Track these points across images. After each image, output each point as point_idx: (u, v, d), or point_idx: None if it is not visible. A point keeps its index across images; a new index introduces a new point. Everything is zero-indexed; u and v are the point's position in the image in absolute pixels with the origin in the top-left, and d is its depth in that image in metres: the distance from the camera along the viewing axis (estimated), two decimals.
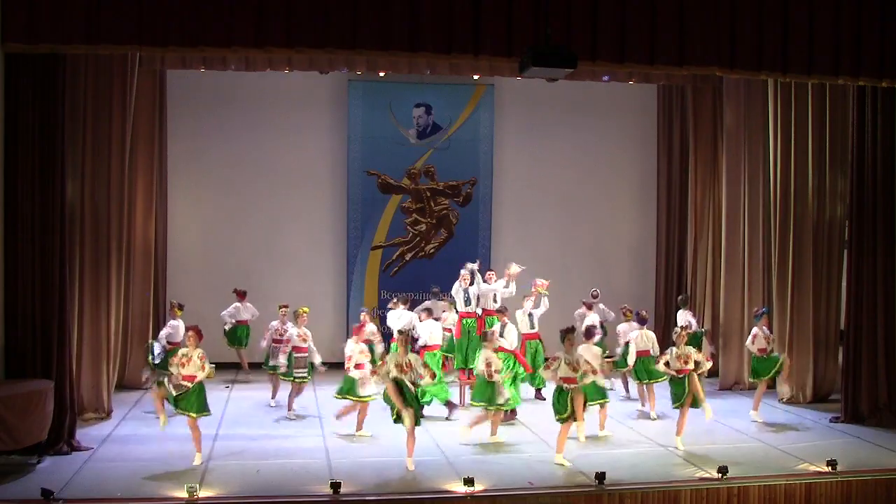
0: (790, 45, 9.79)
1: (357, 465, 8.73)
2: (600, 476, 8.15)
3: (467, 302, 11.88)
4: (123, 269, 11.11)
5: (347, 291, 14.56)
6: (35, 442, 8.56)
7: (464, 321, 11.87)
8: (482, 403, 9.69)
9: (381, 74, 12.80)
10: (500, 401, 9.65)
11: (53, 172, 9.04)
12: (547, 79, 12.07)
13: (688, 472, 8.61)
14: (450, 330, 11.90)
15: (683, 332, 9.69)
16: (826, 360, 12.01)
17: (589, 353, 9.71)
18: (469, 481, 7.96)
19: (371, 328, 11.14)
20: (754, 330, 11.12)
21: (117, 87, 10.59)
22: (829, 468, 8.62)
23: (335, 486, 7.81)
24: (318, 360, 10.82)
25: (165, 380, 8.99)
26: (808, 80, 10.45)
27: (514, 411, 10.51)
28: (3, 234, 8.97)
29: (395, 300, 12.52)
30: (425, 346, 11.01)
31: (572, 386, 8.88)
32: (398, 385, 8.70)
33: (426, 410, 10.05)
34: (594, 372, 9.20)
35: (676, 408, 9.55)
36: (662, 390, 10.67)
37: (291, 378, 10.68)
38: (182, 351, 8.96)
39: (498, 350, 10.15)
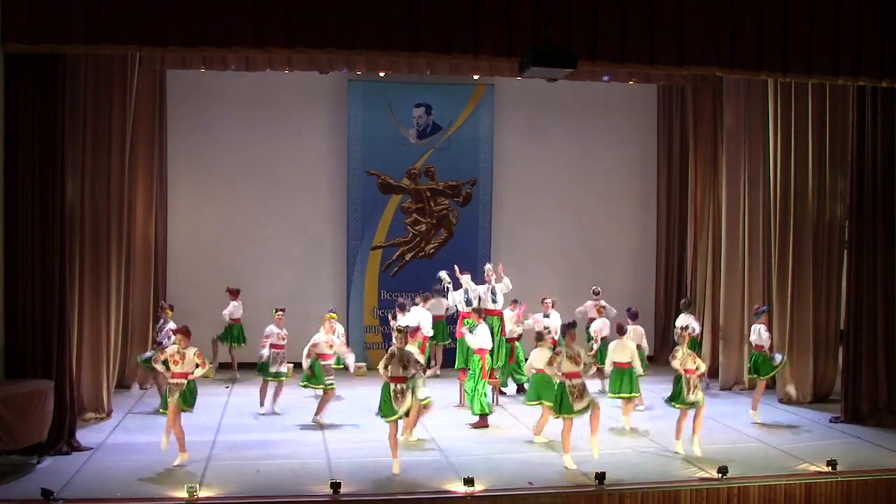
0: (790, 45, 9.79)
1: (357, 465, 8.73)
2: (600, 476, 8.15)
3: (468, 302, 11.89)
4: (123, 269, 11.11)
5: (347, 291, 14.55)
6: (35, 442, 8.57)
7: (464, 321, 11.86)
8: (538, 402, 9.77)
9: (381, 74, 12.80)
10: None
11: (53, 172, 9.04)
12: (547, 79, 12.07)
13: (688, 472, 8.62)
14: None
15: (684, 333, 9.69)
16: (826, 360, 12.01)
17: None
18: (469, 481, 7.96)
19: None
20: (755, 326, 11.12)
21: (117, 87, 10.59)
22: (829, 468, 8.62)
23: (335, 486, 7.82)
24: (350, 360, 10.84)
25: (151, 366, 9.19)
26: (808, 80, 10.45)
27: (485, 416, 10.46)
28: (3, 234, 8.97)
29: (417, 298, 12.48)
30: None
31: (575, 381, 8.90)
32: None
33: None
34: (595, 364, 9.27)
35: (673, 406, 9.51)
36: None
37: (323, 386, 10.43)
38: (172, 348, 8.94)
39: (475, 352, 10.39)
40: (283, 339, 11.07)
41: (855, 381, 10.84)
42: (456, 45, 9.19)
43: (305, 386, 10.69)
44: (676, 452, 9.26)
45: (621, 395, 10.50)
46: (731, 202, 12.96)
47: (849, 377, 10.91)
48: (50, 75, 9.00)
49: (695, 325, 12.34)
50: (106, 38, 8.69)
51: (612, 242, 15.50)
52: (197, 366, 8.81)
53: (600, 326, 11.97)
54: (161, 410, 9.08)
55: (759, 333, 10.97)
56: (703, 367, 9.68)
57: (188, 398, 8.81)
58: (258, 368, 11.20)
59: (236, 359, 13.21)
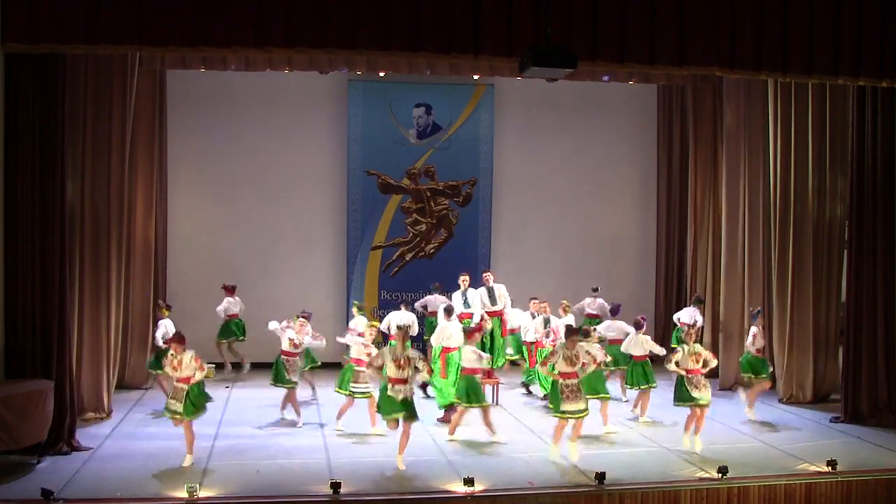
0: (790, 45, 9.79)
1: (357, 465, 8.73)
2: (600, 476, 8.15)
3: (466, 304, 11.90)
4: (123, 269, 11.10)
5: (347, 292, 14.55)
6: (35, 442, 8.57)
7: (464, 321, 11.87)
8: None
9: (381, 74, 12.80)
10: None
11: (53, 172, 9.04)
12: (547, 79, 12.08)
13: (688, 472, 8.62)
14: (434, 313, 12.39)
15: (692, 331, 9.67)
16: (826, 360, 12.01)
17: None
18: (469, 481, 7.96)
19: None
20: (753, 329, 11.13)
21: (117, 87, 10.58)
22: (829, 468, 8.62)
23: (335, 486, 7.82)
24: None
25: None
26: (808, 80, 10.45)
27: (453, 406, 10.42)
28: (3, 234, 8.97)
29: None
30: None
31: (570, 381, 8.92)
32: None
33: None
34: (594, 363, 9.26)
35: (679, 405, 9.53)
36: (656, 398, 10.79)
37: (348, 393, 10.22)
38: (170, 355, 8.93)
39: (447, 351, 10.49)
40: (297, 346, 10.61)
41: (855, 381, 10.84)
42: (456, 45, 9.19)
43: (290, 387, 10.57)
44: (693, 451, 9.26)
45: (639, 386, 10.69)
46: (731, 202, 12.95)
47: (849, 377, 10.91)
48: (50, 75, 8.99)
49: (699, 320, 12.43)
50: (106, 38, 8.68)
51: (611, 242, 15.50)
52: (196, 370, 8.78)
53: (607, 325, 12.01)
54: (165, 414, 9.03)
55: (755, 339, 11.01)
56: (713, 363, 9.63)
57: (189, 408, 8.74)
58: (276, 380, 10.60)
59: (244, 354, 13.09)
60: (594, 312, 13.34)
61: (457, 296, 12.21)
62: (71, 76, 9.54)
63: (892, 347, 10.84)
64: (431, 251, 14.78)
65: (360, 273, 14.58)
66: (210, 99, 14.10)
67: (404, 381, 8.74)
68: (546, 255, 15.14)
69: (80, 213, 10.18)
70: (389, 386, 8.76)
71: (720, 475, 8.34)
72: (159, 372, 10.53)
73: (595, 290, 13.35)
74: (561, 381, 8.95)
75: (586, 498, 8.04)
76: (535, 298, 11.98)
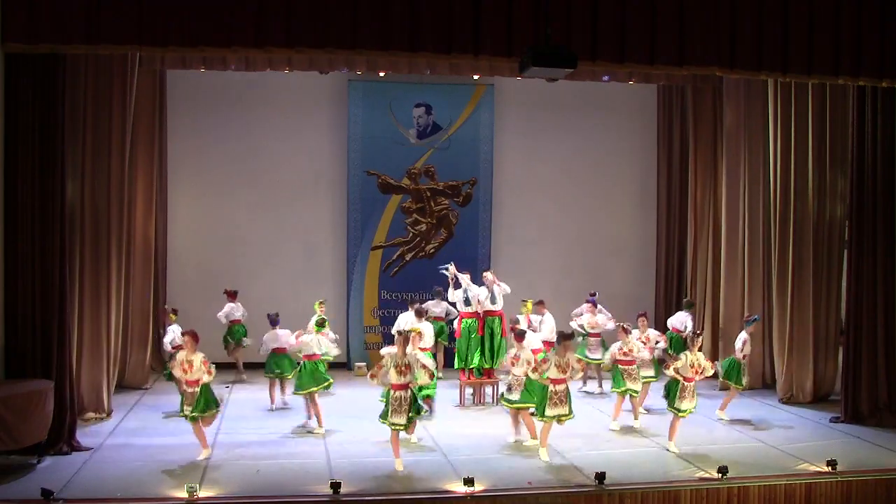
0: (790, 45, 9.79)
1: (357, 465, 8.73)
2: (600, 476, 8.15)
3: (467, 302, 11.89)
4: (123, 269, 11.11)
5: (347, 292, 14.55)
6: (35, 442, 8.57)
7: (464, 321, 11.88)
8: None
9: (381, 74, 12.79)
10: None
11: (53, 172, 9.04)
12: (547, 79, 12.07)
13: (688, 472, 8.62)
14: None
15: (697, 339, 9.68)
16: (826, 360, 12.01)
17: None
18: (469, 481, 7.96)
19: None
20: (743, 335, 11.09)
21: (117, 87, 10.59)
22: (829, 468, 8.63)
23: (335, 486, 7.82)
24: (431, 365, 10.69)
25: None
26: (808, 80, 10.45)
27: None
28: (3, 234, 8.97)
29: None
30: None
31: (558, 387, 9.00)
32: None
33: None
34: (583, 370, 9.38)
35: (668, 409, 9.61)
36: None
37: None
38: (180, 355, 9.04)
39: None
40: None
41: (855, 381, 10.84)
42: (456, 45, 9.19)
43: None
44: (668, 450, 9.36)
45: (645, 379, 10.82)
46: (731, 202, 12.96)
47: (849, 377, 10.91)
48: (50, 75, 8.99)
49: (688, 325, 12.42)
50: (106, 38, 8.68)
51: (612, 242, 15.50)
52: (204, 374, 8.88)
53: (605, 322, 12.05)
54: (181, 414, 9.11)
55: (745, 345, 11.02)
56: (710, 372, 9.65)
57: (203, 406, 8.88)
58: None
59: (241, 360, 13.13)
60: (595, 332, 12.51)
61: (458, 293, 12.15)
62: (71, 76, 9.54)
63: (892, 347, 10.84)
64: (431, 251, 14.77)
65: (361, 273, 14.58)
66: (210, 99, 14.10)
67: (406, 387, 8.76)
68: (546, 255, 15.14)
69: (80, 213, 10.19)
70: (392, 392, 8.79)
71: (720, 475, 8.34)
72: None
73: (593, 294, 12.91)
74: (551, 386, 8.99)
75: (586, 498, 8.04)
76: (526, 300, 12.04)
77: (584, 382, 12.52)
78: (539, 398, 9.18)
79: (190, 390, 8.91)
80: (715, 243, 13.63)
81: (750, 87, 12.48)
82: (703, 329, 13.36)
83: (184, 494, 7.67)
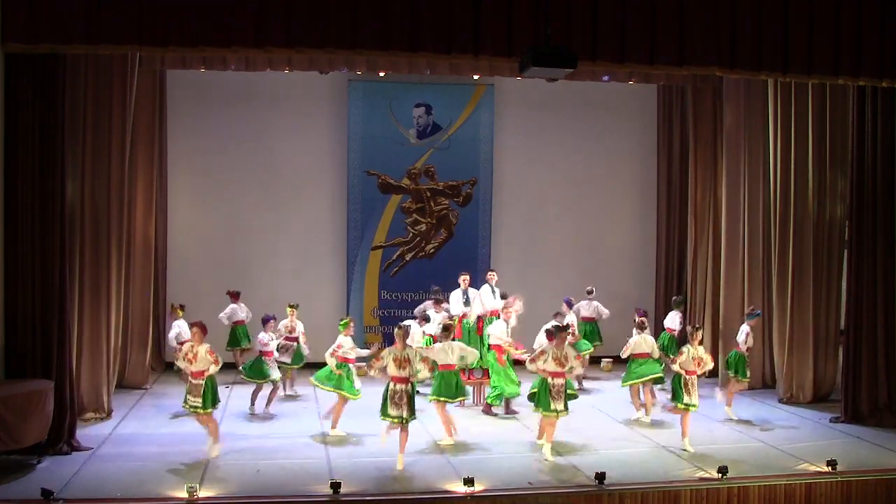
0: (790, 45, 9.79)
1: (357, 465, 8.73)
2: (600, 476, 8.15)
3: (466, 303, 11.90)
4: (123, 269, 11.11)
5: (347, 292, 14.55)
6: (35, 442, 8.57)
7: (464, 321, 11.88)
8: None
9: (381, 74, 12.79)
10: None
11: (53, 172, 9.04)
12: (547, 79, 12.07)
13: (688, 472, 8.62)
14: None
15: (697, 334, 9.72)
16: (826, 360, 12.01)
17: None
18: (469, 481, 7.96)
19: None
20: (745, 328, 11.12)
21: (117, 87, 10.58)
22: (829, 468, 8.62)
23: (335, 486, 7.81)
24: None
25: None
26: (808, 80, 10.45)
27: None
28: (3, 234, 8.97)
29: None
30: None
31: (556, 380, 8.99)
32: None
33: None
34: (583, 366, 9.39)
35: (677, 407, 9.60)
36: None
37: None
38: (187, 346, 9.06)
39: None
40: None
41: (855, 381, 10.84)
42: (456, 45, 9.19)
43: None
44: (684, 450, 9.33)
45: (647, 377, 10.78)
46: (731, 202, 12.95)
47: (849, 377, 10.90)
48: (50, 75, 8.99)
49: (676, 324, 12.46)
50: (106, 38, 8.68)
51: (612, 242, 15.50)
52: (211, 363, 8.91)
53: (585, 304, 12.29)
54: (185, 406, 9.16)
55: (748, 337, 11.04)
56: (710, 365, 9.72)
57: (208, 398, 8.93)
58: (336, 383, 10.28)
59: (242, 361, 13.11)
60: (590, 315, 13.33)
61: (457, 294, 12.18)
62: (71, 76, 9.54)
63: (892, 347, 10.84)
64: (431, 251, 14.78)
65: (361, 273, 14.58)
66: (210, 99, 14.10)
67: (405, 381, 8.76)
68: (546, 255, 15.14)
69: (80, 213, 10.18)
70: (391, 385, 8.78)
71: (720, 475, 8.34)
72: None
73: (590, 291, 13.32)
74: (550, 379, 8.99)
75: (586, 498, 8.04)
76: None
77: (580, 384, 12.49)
78: (540, 393, 9.15)
79: (195, 382, 8.90)
80: (715, 243, 13.63)
81: (750, 87, 12.48)
82: (702, 324, 13.34)
83: (184, 494, 7.66)
